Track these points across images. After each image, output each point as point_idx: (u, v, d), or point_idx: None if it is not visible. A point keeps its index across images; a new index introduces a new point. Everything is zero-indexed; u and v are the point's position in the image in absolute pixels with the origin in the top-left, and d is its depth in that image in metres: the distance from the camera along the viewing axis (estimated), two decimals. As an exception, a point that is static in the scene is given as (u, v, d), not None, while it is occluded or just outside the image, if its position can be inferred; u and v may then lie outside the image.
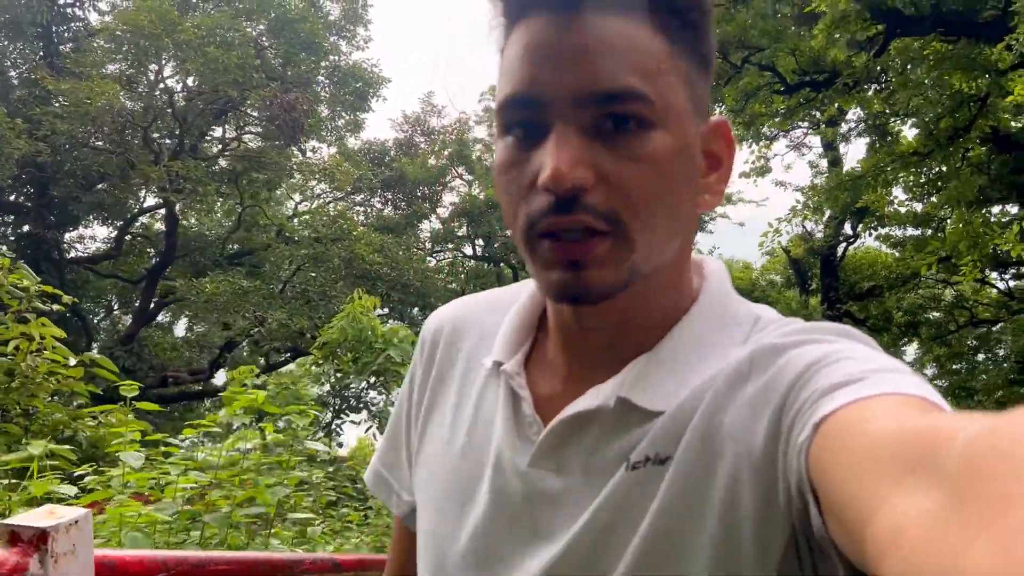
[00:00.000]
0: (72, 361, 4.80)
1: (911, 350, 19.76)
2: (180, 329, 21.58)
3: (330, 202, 20.34)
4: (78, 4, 18.23)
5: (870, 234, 17.52)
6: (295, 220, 20.70)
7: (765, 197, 16.60)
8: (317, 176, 16.85)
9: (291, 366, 16.52)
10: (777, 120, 9.96)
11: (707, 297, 0.74)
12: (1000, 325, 18.10)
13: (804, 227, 17.97)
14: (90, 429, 4.82)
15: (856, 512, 0.44)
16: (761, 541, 0.60)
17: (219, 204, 20.72)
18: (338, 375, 10.71)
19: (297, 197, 21.88)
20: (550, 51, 0.63)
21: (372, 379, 10.72)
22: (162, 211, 18.61)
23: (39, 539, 0.97)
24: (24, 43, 17.25)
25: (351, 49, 20.30)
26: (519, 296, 0.84)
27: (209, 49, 15.11)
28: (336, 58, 19.32)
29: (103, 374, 4.83)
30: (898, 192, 11.88)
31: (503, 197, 0.68)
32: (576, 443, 0.70)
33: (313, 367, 10.93)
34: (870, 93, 8.65)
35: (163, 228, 19.88)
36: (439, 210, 21.60)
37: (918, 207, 14.20)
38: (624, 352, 0.71)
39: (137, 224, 20.22)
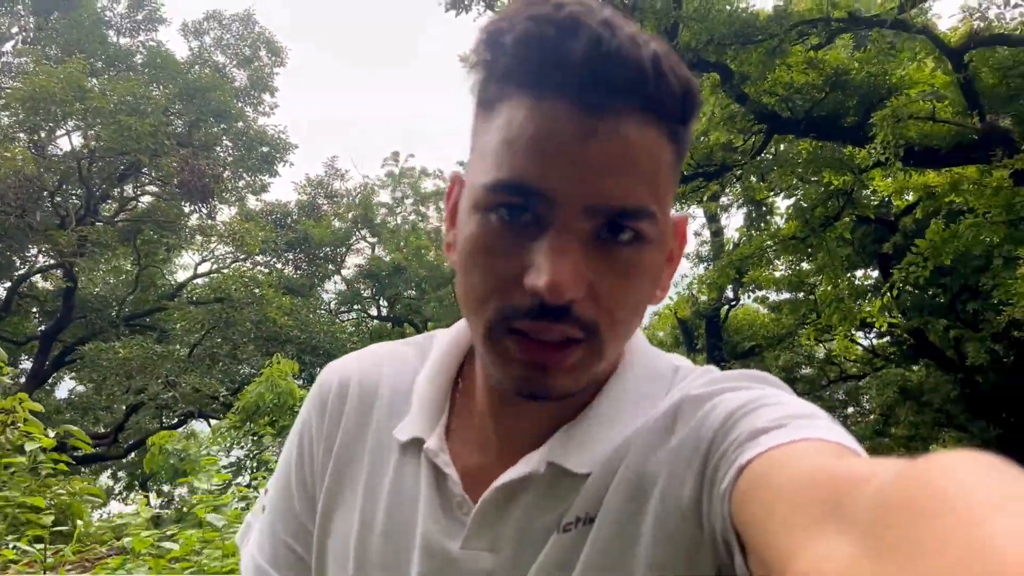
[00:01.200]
0: (51, 433, 5.24)
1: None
2: (63, 391, 21.10)
3: (233, 263, 20.54)
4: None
5: (748, 296, 19.08)
6: (197, 281, 20.77)
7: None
8: (225, 239, 17.10)
9: (201, 428, 16.55)
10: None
11: (630, 356, 0.73)
12: (865, 380, 19.83)
13: (691, 291, 19.37)
14: (58, 497, 5.24)
15: (775, 556, 0.44)
16: None
17: (115, 266, 20.58)
18: (255, 439, 10.99)
19: (197, 258, 21.96)
20: (570, 152, 0.58)
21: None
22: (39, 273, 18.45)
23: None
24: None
25: (257, 115, 20.77)
26: (426, 352, 0.81)
27: (121, 117, 15.33)
28: (242, 124, 19.72)
29: (79, 444, 5.27)
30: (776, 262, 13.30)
31: (472, 276, 0.63)
32: (509, 515, 0.69)
33: (231, 431, 11.18)
34: (753, 180, 9.93)
35: (50, 288, 19.65)
36: (343, 271, 22.05)
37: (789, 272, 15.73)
38: (551, 420, 0.70)
39: (23, 284, 19.86)
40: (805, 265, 14.50)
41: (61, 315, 18.19)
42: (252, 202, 22.52)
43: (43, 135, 16.06)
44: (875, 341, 20.11)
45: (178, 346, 16.14)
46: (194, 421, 16.97)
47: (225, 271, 18.74)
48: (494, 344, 0.64)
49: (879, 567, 0.34)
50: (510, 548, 0.68)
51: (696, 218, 19.35)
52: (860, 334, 20.13)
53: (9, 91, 15.30)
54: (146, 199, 19.52)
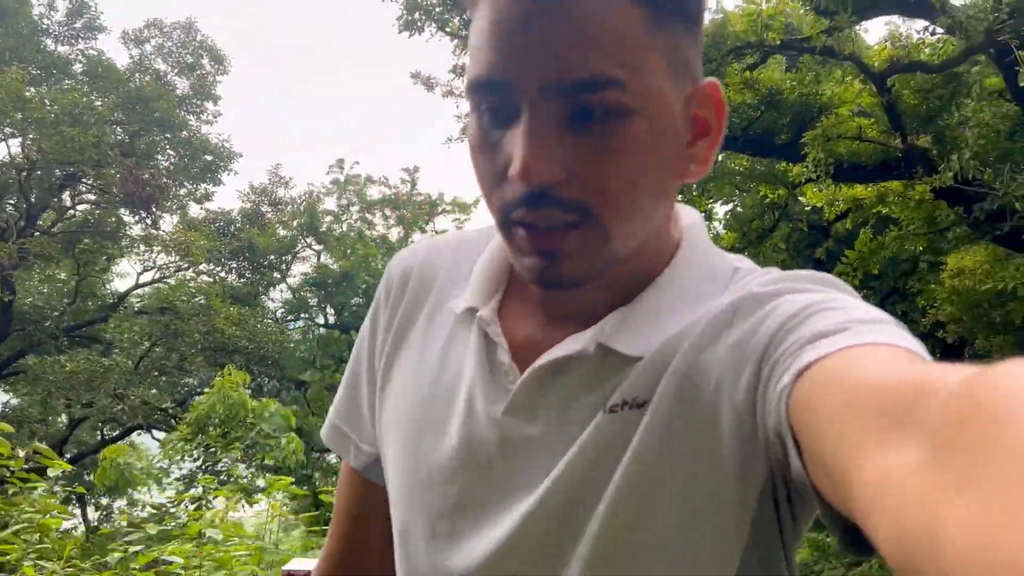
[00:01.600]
0: (20, 453, 5.37)
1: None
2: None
3: (176, 271, 20.41)
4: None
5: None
6: (140, 291, 20.58)
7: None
8: (170, 248, 17.04)
9: (142, 441, 16.46)
10: None
11: (686, 251, 0.73)
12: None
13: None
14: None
15: (841, 465, 0.44)
16: (740, 482, 0.61)
17: (49, 274, 20.30)
18: (208, 450, 11.04)
19: (138, 267, 21.76)
20: (516, 33, 0.59)
21: (240, 453, 11.11)
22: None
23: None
24: None
25: (200, 124, 20.68)
26: (490, 239, 0.81)
27: (63, 128, 15.21)
28: (185, 133, 19.63)
29: (47, 463, 5.40)
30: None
31: (477, 175, 0.66)
32: (554, 391, 0.69)
33: (181, 443, 11.21)
34: (695, 193, 10.47)
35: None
36: (289, 279, 22.06)
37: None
38: (604, 304, 0.70)
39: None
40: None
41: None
42: (195, 210, 22.43)
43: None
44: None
45: (124, 358, 16.03)
46: (136, 434, 16.88)
47: (169, 281, 18.64)
48: (507, 238, 0.66)
49: (948, 475, 0.34)
50: (553, 421, 0.68)
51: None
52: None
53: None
54: (83, 207, 19.32)
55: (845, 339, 0.52)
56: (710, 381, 0.62)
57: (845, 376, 0.48)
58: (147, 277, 21.19)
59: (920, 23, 8.25)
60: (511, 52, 0.59)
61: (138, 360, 15.86)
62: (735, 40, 8.85)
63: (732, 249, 10.28)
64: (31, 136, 15.29)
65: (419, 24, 8.78)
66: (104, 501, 15.33)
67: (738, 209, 10.93)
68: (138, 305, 18.56)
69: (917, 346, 0.51)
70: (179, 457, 11.69)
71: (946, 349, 15.95)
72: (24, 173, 15.97)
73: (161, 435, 15.29)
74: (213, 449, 11.10)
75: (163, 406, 14.62)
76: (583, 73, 0.58)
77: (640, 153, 0.61)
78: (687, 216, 0.76)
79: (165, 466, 11.86)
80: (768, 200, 9.68)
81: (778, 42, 8.86)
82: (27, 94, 15.54)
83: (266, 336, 16.92)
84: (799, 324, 0.57)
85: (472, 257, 0.81)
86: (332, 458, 13.97)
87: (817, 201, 9.12)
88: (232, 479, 11.93)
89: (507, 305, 0.77)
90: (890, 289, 14.89)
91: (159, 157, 18.49)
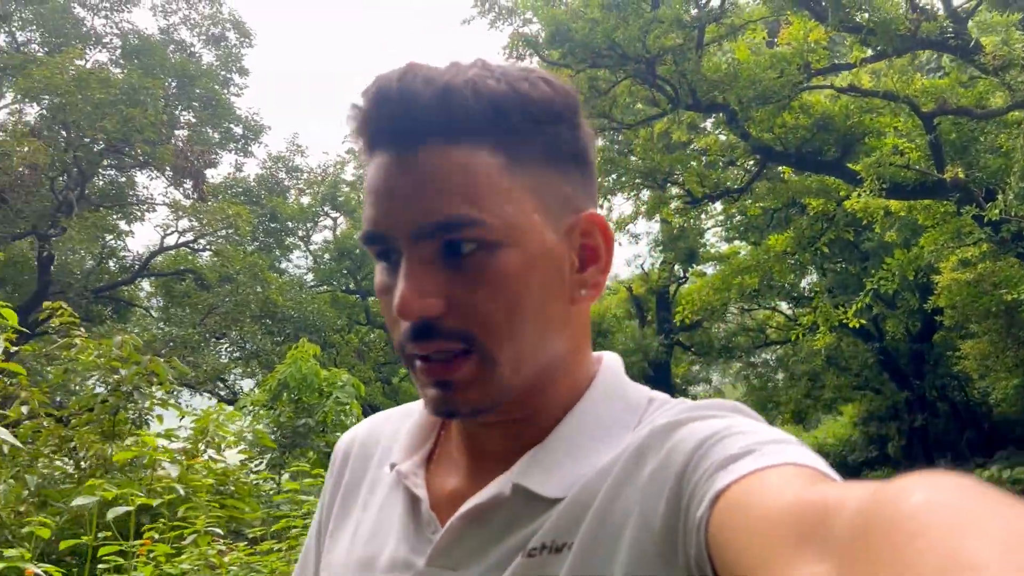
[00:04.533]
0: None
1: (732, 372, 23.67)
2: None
3: (197, 237, 21.28)
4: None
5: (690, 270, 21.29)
6: (159, 257, 21.42)
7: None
8: (216, 220, 17.97)
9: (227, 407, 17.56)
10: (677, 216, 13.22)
11: (600, 383, 0.75)
12: (790, 345, 22.35)
13: (643, 269, 21.42)
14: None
15: None
16: None
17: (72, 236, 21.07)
18: (285, 416, 12.20)
19: (160, 233, 22.55)
20: (386, 189, 0.66)
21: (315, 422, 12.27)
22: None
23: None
24: None
25: (228, 96, 21.39)
26: None
27: (123, 108, 16.02)
28: (218, 106, 20.37)
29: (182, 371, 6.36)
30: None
31: (384, 317, 0.71)
32: (475, 538, 0.70)
33: (256, 408, 12.37)
34: (748, 201, 11.93)
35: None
36: (311, 247, 23.09)
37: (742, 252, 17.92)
38: (523, 444, 0.72)
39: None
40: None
41: (38, 289, 18.78)
42: (210, 176, 23.18)
43: (49, 125, 16.57)
44: (795, 310, 22.66)
45: (183, 328, 17.05)
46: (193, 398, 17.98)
47: (214, 249, 19.54)
48: (410, 371, 0.70)
49: None
50: (474, 568, 0.69)
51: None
52: (784, 304, 22.68)
53: (18, 80, 15.78)
54: (108, 175, 20.06)
55: (753, 461, 0.53)
56: (628, 521, 0.62)
57: (758, 499, 0.49)
58: (171, 242, 22.14)
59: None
60: (384, 207, 0.66)
61: (195, 327, 16.91)
62: (791, 62, 10.14)
63: (784, 253, 11.78)
64: (96, 120, 16.02)
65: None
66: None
67: (800, 224, 12.36)
68: (164, 268, 19.53)
69: (821, 464, 0.54)
70: (250, 423, 12.78)
71: (928, 327, 17.66)
72: (82, 151, 16.75)
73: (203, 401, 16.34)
74: (287, 416, 12.21)
75: (223, 373, 15.72)
76: (440, 216, 0.64)
77: (513, 281, 0.65)
78: (606, 357, 0.79)
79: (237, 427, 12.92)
80: (815, 211, 11.18)
81: (823, 64, 10.24)
82: (85, 74, 16.24)
83: (310, 304, 18.06)
84: (709, 450, 0.58)
85: (411, 421, 0.84)
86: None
87: (856, 210, 10.55)
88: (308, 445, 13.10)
89: (437, 458, 0.80)
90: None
91: (208, 131, 19.29)
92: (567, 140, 0.69)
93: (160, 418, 5.99)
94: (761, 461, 0.53)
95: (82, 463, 5.19)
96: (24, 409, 5.07)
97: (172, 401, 5.61)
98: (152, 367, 5.62)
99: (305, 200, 23.02)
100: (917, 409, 18.79)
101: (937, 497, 0.37)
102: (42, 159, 14.80)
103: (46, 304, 6.32)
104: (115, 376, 5.53)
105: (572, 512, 0.66)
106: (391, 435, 0.86)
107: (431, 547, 0.72)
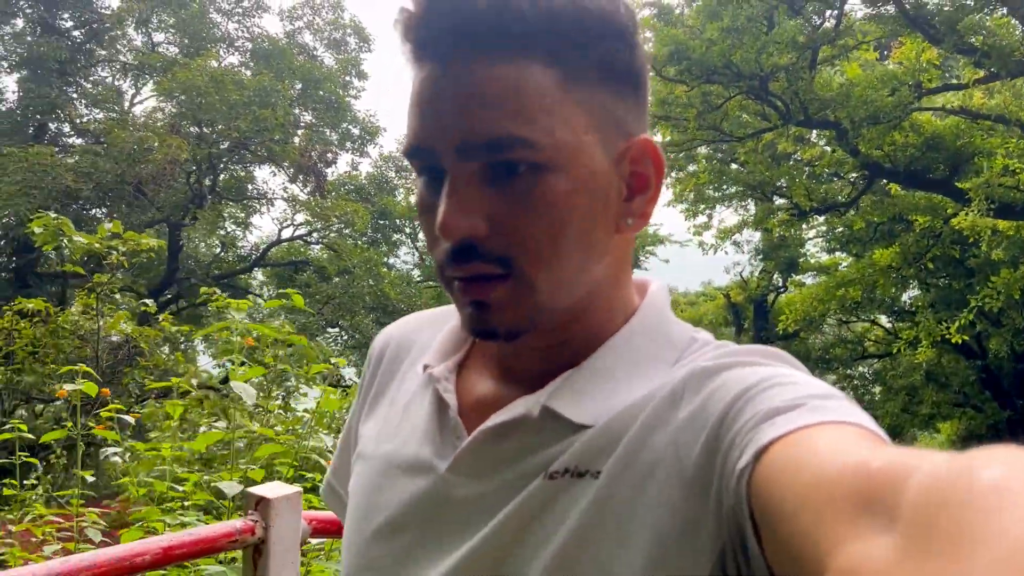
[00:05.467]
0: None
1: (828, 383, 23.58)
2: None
3: (311, 231, 22.50)
4: (95, 40, 19.85)
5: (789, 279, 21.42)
6: (272, 249, 22.73)
7: (688, 239, 19.99)
8: (336, 215, 19.04)
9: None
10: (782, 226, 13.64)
11: (642, 316, 0.74)
12: (887, 360, 22.19)
13: (742, 276, 21.63)
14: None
15: (809, 550, 0.44)
16: (690, 559, 0.59)
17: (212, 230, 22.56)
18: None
19: (277, 226, 23.92)
20: (433, 102, 0.64)
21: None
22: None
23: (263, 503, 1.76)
24: (39, 78, 18.56)
25: (348, 98, 22.55)
26: None
27: (255, 108, 17.22)
28: (339, 108, 21.53)
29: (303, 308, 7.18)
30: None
31: (424, 235, 0.70)
32: (498, 452, 0.70)
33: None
34: (852, 214, 12.24)
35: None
36: (418, 244, 24.03)
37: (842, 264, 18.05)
38: (557, 366, 0.71)
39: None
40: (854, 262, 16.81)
41: (167, 274, 20.23)
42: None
43: (188, 123, 17.93)
44: (896, 324, 22.52)
45: (303, 315, 18.15)
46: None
47: (326, 243, 20.69)
48: (449, 293, 0.70)
49: (926, 565, 0.34)
50: (495, 482, 0.69)
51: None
52: (883, 318, 22.55)
53: (161, 81, 17.15)
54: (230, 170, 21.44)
55: (803, 416, 0.52)
56: (661, 460, 0.61)
57: (809, 459, 0.48)
58: (287, 234, 23.46)
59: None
60: (430, 120, 0.64)
61: (315, 318, 17.99)
62: (903, 81, 10.42)
63: (889, 268, 12.03)
64: (230, 118, 17.25)
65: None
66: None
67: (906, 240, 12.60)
68: (279, 258, 20.73)
69: (869, 421, 0.52)
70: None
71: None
72: (215, 148, 18.07)
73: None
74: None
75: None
76: (489, 134, 0.62)
77: (559, 207, 0.64)
78: (652, 285, 0.78)
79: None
80: (921, 227, 11.42)
81: (934, 84, 10.48)
82: (221, 76, 17.50)
83: (418, 298, 18.98)
84: (753, 399, 0.57)
85: (446, 326, 0.85)
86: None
87: (963, 228, 10.74)
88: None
89: (469, 366, 0.80)
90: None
91: (327, 131, 20.44)
92: (623, 58, 0.67)
93: (305, 394, 6.79)
94: (809, 417, 0.52)
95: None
96: (194, 381, 5.97)
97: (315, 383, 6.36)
98: (304, 350, 6.44)
99: (413, 199, 23.84)
100: (1020, 429, 18.53)
101: (1014, 473, 0.35)
102: (183, 154, 16.08)
103: (203, 289, 7.15)
104: (271, 355, 6.35)
105: (600, 442, 0.65)
106: (423, 337, 0.87)
107: (454, 454, 0.72)
